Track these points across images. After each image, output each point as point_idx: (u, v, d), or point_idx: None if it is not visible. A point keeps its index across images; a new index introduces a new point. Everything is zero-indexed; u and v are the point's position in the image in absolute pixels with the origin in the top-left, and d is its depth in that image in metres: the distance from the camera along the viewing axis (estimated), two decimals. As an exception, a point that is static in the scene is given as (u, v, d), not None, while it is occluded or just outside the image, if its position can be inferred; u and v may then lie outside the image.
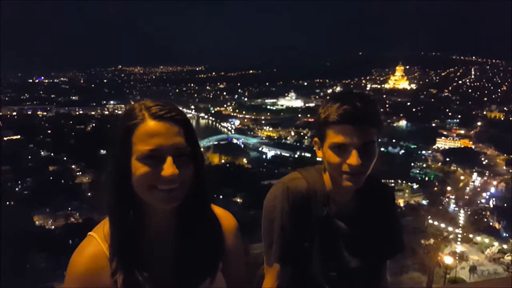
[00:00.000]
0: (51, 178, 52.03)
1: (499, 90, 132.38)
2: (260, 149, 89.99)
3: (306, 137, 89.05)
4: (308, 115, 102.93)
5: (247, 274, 1.40)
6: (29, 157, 59.97)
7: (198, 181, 1.10)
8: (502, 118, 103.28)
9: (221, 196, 45.48)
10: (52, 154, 63.37)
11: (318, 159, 1.44)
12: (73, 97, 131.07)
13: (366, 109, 1.25)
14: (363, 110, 1.24)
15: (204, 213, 1.17)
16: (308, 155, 73.57)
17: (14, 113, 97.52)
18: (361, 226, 1.45)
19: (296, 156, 78.41)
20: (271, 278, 1.45)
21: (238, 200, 48.37)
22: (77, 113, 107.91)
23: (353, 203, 1.45)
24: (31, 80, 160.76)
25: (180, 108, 1.11)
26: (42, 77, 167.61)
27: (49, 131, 77.90)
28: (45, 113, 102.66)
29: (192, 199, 1.11)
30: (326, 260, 1.42)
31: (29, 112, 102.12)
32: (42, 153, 63.93)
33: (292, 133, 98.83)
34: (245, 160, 77.14)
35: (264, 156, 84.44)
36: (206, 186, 1.14)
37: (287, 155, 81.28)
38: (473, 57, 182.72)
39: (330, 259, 1.43)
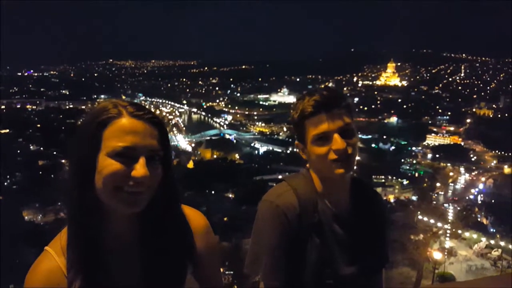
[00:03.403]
0: (40, 172, 51.42)
1: (488, 88, 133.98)
2: (252, 144, 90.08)
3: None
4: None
5: (219, 273, 1.34)
6: (18, 151, 59.15)
7: (165, 188, 1.03)
8: (491, 115, 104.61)
9: (213, 192, 45.48)
10: (41, 148, 62.67)
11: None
12: (63, 91, 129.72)
13: (333, 94, 1.33)
14: (330, 96, 1.32)
15: (170, 219, 1.08)
16: (299, 150, 73.76)
17: (3, 107, 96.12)
18: (354, 230, 1.42)
19: (288, 151, 78.62)
20: None
21: (231, 195, 48.47)
22: (67, 107, 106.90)
23: (345, 207, 1.43)
24: (20, 74, 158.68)
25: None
26: (32, 71, 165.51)
27: (39, 125, 76.88)
28: (35, 107, 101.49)
29: (157, 205, 1.03)
30: (321, 268, 1.37)
31: (18, 106, 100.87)
32: (31, 147, 63.20)
33: (285, 129, 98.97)
34: (237, 156, 77.17)
35: (256, 152, 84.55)
36: (174, 193, 1.08)
37: (279, 150, 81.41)
38: (463, 55, 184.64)
39: (325, 266, 1.38)
